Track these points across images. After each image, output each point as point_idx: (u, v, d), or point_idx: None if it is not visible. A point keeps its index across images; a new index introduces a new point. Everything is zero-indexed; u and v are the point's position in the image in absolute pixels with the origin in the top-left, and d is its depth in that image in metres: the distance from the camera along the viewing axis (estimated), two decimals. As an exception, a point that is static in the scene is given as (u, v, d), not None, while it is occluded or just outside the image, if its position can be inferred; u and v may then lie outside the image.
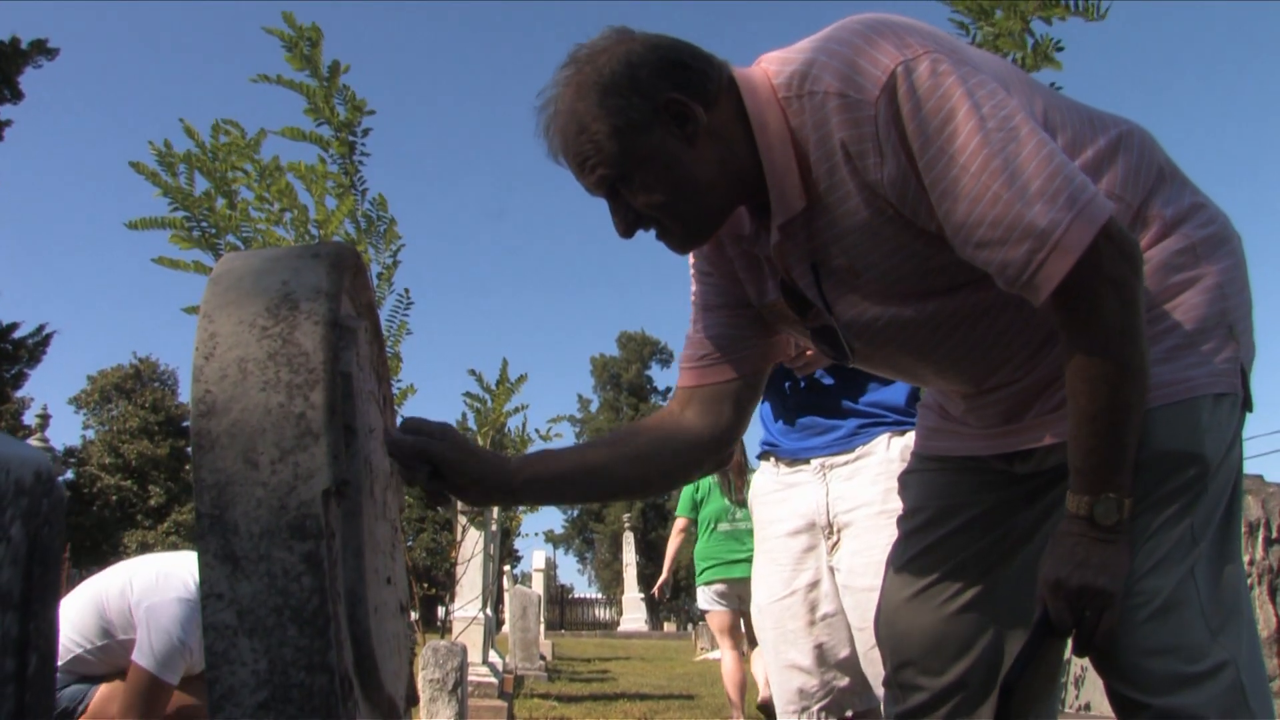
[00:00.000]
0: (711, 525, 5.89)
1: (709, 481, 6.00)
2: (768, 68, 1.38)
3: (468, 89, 74.08)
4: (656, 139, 1.34)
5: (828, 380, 2.46)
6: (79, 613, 2.95)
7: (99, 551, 27.88)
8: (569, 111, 1.35)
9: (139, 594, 2.91)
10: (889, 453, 2.34)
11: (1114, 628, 1.28)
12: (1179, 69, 70.95)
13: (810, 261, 1.42)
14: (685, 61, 1.36)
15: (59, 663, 2.92)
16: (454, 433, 1.42)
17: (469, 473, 1.40)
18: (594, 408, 47.42)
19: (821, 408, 2.44)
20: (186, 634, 2.82)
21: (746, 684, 6.25)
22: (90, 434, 32.50)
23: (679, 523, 6.39)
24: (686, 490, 6.21)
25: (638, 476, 1.56)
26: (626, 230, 1.41)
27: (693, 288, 1.62)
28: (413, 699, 1.38)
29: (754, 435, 2.63)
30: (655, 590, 7.35)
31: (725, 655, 6.12)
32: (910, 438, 2.26)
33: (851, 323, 1.45)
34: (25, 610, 0.80)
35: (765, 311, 1.54)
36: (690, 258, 1.60)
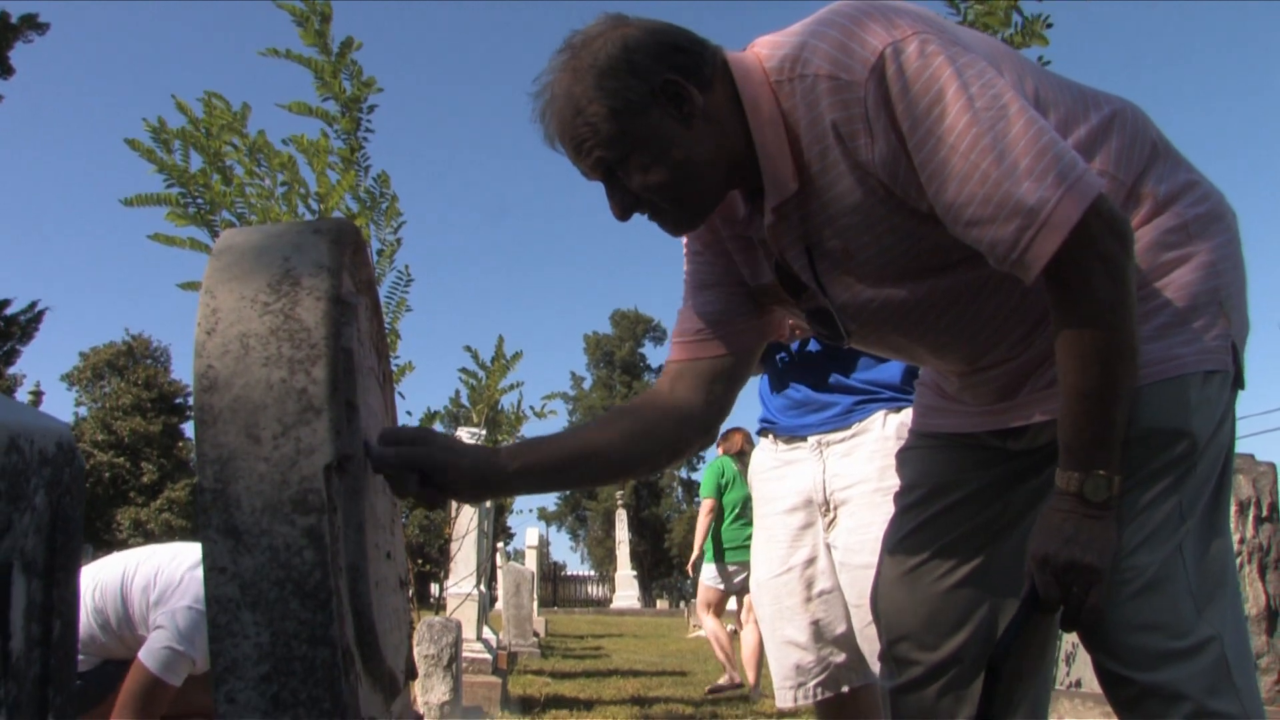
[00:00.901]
0: (736, 511, 6.05)
1: (734, 469, 6.24)
2: (760, 51, 1.39)
3: (470, 71, 73.61)
4: (653, 120, 1.34)
5: (813, 346, 2.46)
6: (103, 598, 2.97)
7: (92, 529, 27.86)
8: (566, 95, 1.35)
9: (159, 592, 2.94)
10: (885, 430, 2.34)
11: (1101, 604, 1.29)
12: (1172, 44, 70.75)
13: (804, 244, 1.42)
14: (680, 44, 1.36)
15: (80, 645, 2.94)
16: (435, 435, 1.40)
17: (458, 471, 1.36)
18: (587, 385, 47.42)
19: (810, 377, 2.45)
20: (194, 647, 2.84)
21: (732, 648, 6.59)
22: (83, 411, 32.42)
23: (707, 504, 6.65)
24: (711, 475, 6.41)
25: (629, 458, 1.53)
26: (623, 213, 1.42)
27: (685, 267, 1.62)
28: (412, 673, 1.39)
29: (754, 414, 2.65)
30: (689, 567, 7.58)
31: (708, 622, 6.58)
32: (906, 415, 2.26)
33: (846, 304, 1.45)
34: (49, 577, 0.81)
35: (760, 294, 1.54)
36: (684, 237, 1.60)
